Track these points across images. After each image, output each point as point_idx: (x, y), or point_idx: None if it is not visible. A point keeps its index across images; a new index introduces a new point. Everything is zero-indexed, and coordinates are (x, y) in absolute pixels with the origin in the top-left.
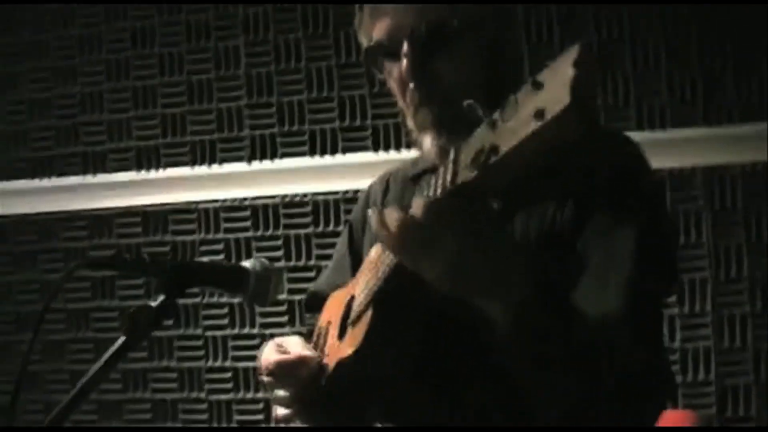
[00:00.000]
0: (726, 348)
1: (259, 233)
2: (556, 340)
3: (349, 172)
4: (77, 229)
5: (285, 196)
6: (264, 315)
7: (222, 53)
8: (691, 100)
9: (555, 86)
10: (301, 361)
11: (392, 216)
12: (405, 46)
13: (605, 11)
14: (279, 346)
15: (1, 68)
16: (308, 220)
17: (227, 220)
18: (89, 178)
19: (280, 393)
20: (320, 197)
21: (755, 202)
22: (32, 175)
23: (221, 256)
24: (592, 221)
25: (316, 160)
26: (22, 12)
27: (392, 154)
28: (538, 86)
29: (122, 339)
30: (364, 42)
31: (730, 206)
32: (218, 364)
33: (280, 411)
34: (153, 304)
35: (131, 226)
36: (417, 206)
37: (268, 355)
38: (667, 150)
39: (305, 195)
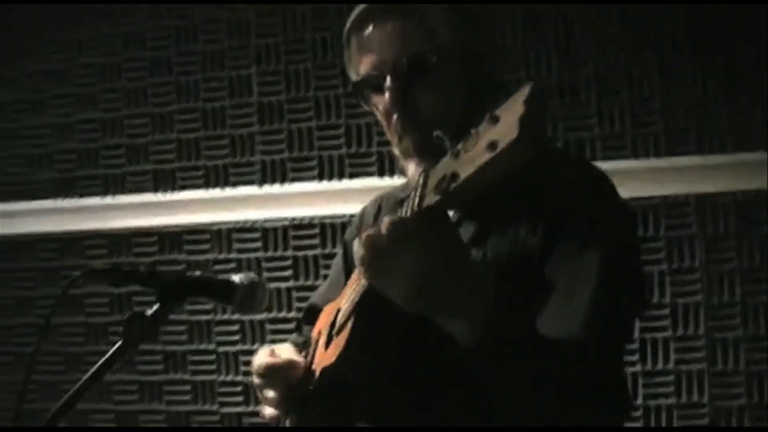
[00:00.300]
0: (719, 371)
1: (269, 254)
2: (518, 359)
3: (355, 196)
4: (97, 247)
5: (294, 218)
6: (274, 332)
7: (235, 82)
8: (685, 128)
9: (507, 121)
10: (289, 364)
11: (365, 234)
12: (388, 80)
13: (603, 41)
14: (271, 351)
15: (26, 95)
16: (316, 241)
17: (239, 240)
18: (108, 200)
19: (269, 394)
20: (327, 220)
21: (747, 228)
22: (55, 196)
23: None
24: (559, 246)
25: (324, 185)
26: (45, 40)
27: (396, 180)
28: (494, 120)
29: (119, 343)
30: (353, 76)
31: (722, 232)
32: (230, 378)
33: (268, 411)
34: (148, 312)
35: (148, 246)
36: (384, 225)
37: (260, 358)
38: (661, 177)
39: (313, 218)
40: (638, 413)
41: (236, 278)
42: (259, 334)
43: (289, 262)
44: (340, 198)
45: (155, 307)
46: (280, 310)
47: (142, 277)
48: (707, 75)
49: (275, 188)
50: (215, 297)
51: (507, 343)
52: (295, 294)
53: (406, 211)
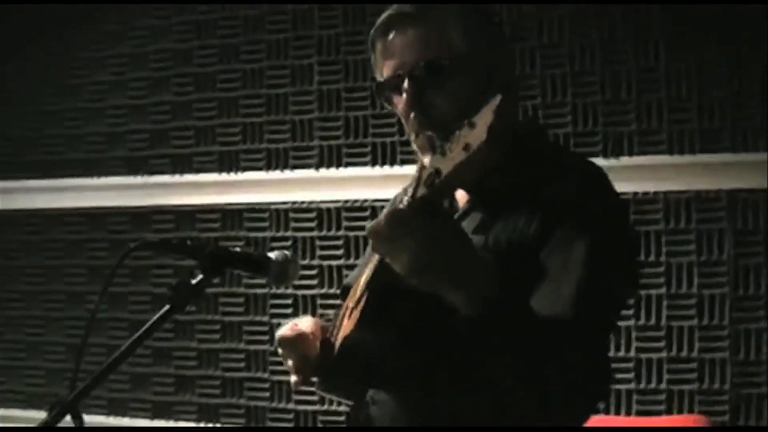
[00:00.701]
0: (742, 360)
1: (323, 233)
2: (513, 332)
3: (406, 181)
4: (164, 222)
5: (347, 200)
6: (324, 306)
7: (297, 70)
8: (720, 125)
9: (480, 126)
10: (298, 337)
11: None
12: (406, 82)
13: (643, 40)
14: (293, 325)
15: (105, 76)
16: (367, 223)
17: (295, 219)
18: (176, 178)
19: (289, 362)
20: (378, 203)
21: None
22: (128, 173)
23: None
24: (554, 234)
25: (377, 170)
26: (126, 27)
27: None
28: (472, 125)
29: (166, 307)
30: (378, 77)
31: (752, 227)
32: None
33: (292, 378)
34: (192, 281)
35: (211, 222)
36: (384, 215)
37: (282, 331)
38: (694, 172)
39: (365, 200)
40: (662, 397)
41: (272, 255)
42: (311, 308)
43: (341, 242)
44: (392, 183)
45: (199, 276)
46: (330, 286)
47: (188, 249)
48: (743, 74)
49: (331, 171)
50: (251, 270)
51: (504, 317)
52: (345, 272)
53: (406, 201)
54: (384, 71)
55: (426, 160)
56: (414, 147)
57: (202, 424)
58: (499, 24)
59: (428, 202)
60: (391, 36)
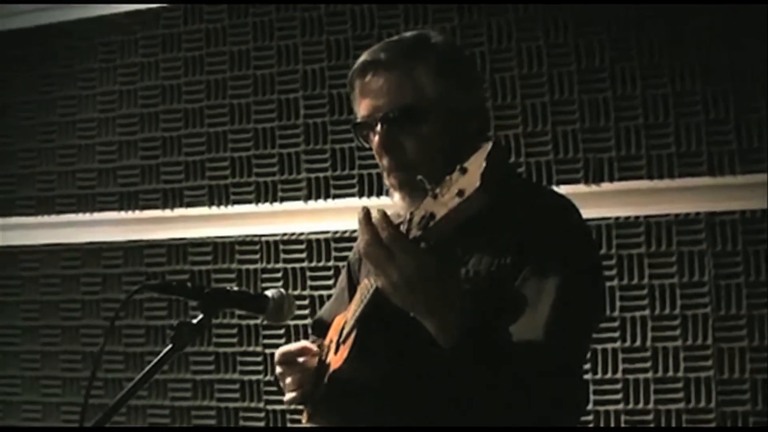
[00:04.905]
0: (726, 378)
1: (313, 264)
2: (489, 358)
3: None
4: (156, 256)
5: (336, 231)
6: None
7: (284, 105)
8: (697, 149)
9: (472, 172)
10: (302, 349)
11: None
12: (378, 126)
13: (621, 65)
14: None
15: (97, 114)
16: None
17: (286, 251)
18: (167, 212)
19: (288, 380)
20: None
21: (753, 244)
22: (120, 208)
23: (280, 284)
24: (528, 266)
25: (364, 201)
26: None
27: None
28: (463, 171)
29: (169, 346)
30: (357, 115)
31: (730, 248)
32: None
33: (288, 396)
34: (193, 321)
35: (202, 255)
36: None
37: (283, 348)
38: (674, 196)
39: (354, 231)
40: (650, 417)
41: (268, 293)
42: (302, 338)
43: (331, 272)
44: None
45: (199, 316)
46: None
47: (188, 291)
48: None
49: (319, 203)
50: (249, 308)
51: (481, 345)
52: None
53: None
54: (361, 111)
55: (397, 196)
56: (386, 183)
57: None
58: (471, 67)
59: (422, 242)
60: (368, 77)
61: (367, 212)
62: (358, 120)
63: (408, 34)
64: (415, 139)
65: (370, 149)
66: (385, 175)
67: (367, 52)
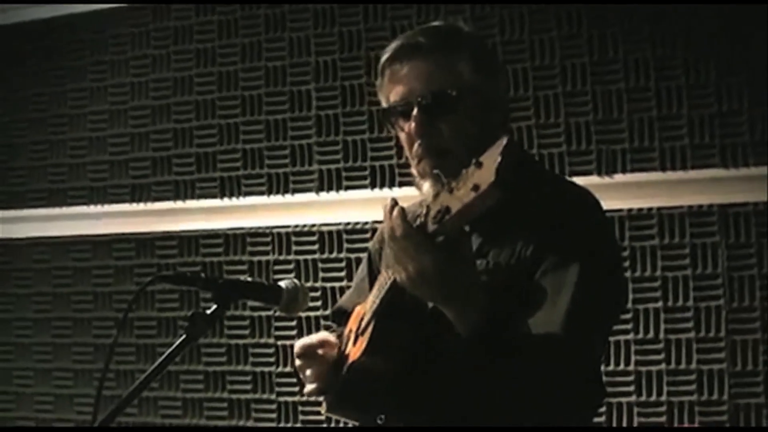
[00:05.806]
0: (739, 371)
1: (325, 255)
2: (508, 349)
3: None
4: (168, 248)
5: (348, 223)
6: (327, 327)
7: (296, 96)
8: (710, 142)
9: (487, 167)
10: (322, 342)
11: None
12: (415, 110)
13: (634, 57)
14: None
15: (108, 106)
16: (368, 245)
17: (297, 243)
18: (180, 204)
19: (308, 372)
20: (378, 225)
21: (766, 236)
22: (131, 200)
23: (292, 275)
24: (547, 258)
25: (376, 192)
26: (126, 56)
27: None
28: (479, 165)
29: (183, 336)
30: (383, 102)
31: (744, 240)
32: (288, 369)
33: (308, 387)
34: (207, 311)
35: (214, 247)
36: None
37: (303, 340)
38: (686, 188)
39: (365, 223)
40: (662, 409)
41: (282, 283)
42: (315, 330)
43: (343, 264)
44: None
45: (213, 307)
46: None
47: (202, 282)
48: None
49: (331, 195)
50: (263, 299)
51: (500, 336)
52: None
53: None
54: (391, 97)
55: (426, 185)
56: (413, 172)
57: None
58: (498, 59)
59: (438, 235)
60: (401, 64)
61: (393, 204)
62: (388, 105)
63: (438, 23)
64: (450, 124)
65: (389, 139)
66: (414, 162)
67: (402, 37)
